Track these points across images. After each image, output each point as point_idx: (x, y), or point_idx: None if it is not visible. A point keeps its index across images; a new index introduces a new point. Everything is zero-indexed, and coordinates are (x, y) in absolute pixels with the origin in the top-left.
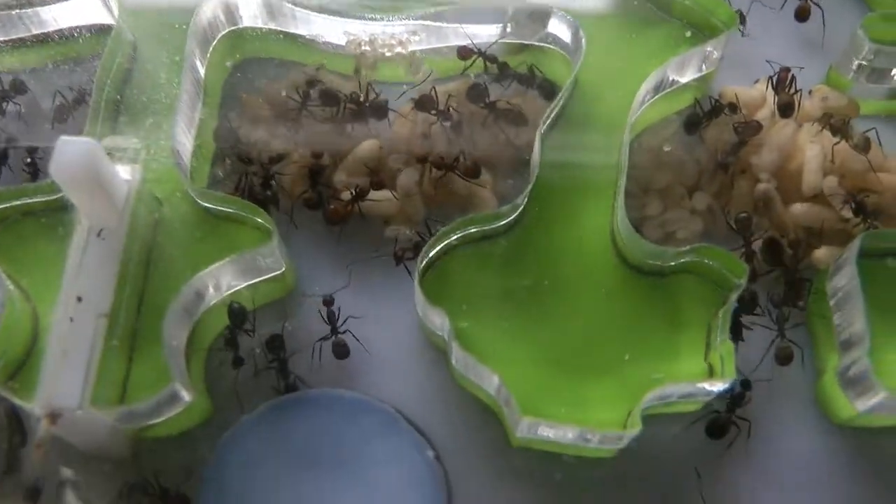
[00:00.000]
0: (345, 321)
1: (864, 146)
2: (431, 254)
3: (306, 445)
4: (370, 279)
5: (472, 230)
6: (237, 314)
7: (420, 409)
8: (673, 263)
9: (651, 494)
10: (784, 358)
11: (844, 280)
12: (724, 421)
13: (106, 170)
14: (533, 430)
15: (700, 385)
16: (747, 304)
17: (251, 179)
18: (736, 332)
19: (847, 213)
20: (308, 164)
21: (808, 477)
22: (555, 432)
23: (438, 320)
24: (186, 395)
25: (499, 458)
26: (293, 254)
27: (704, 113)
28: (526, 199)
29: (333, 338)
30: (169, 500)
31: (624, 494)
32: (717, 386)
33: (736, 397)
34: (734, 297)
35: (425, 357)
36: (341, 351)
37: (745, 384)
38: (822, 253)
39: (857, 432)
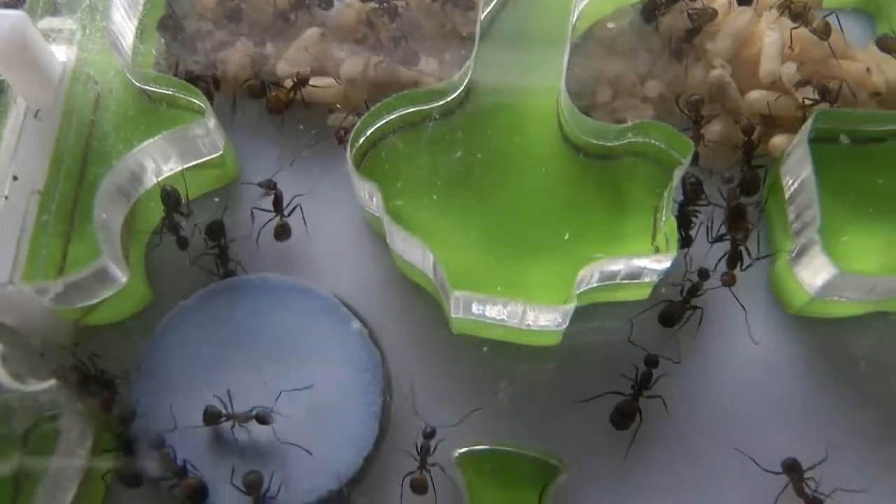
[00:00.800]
0: (289, 203)
1: (824, 30)
2: (369, 132)
3: (244, 330)
4: (312, 167)
5: (410, 110)
6: (170, 196)
7: (361, 297)
8: (618, 144)
9: (597, 383)
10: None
11: (797, 160)
12: (677, 308)
13: (38, 46)
14: (467, 307)
15: (642, 261)
16: (692, 194)
17: (189, 64)
18: (684, 224)
19: (808, 95)
20: (251, 54)
21: (763, 367)
22: (489, 308)
23: (373, 199)
24: (120, 274)
25: (439, 344)
26: (236, 145)
27: (662, 0)
28: (467, 78)
29: (277, 218)
30: (104, 383)
31: (569, 382)
32: (662, 262)
33: (693, 287)
34: (679, 174)
35: (368, 247)
36: (282, 231)
37: (703, 273)
38: (778, 140)
39: (811, 324)
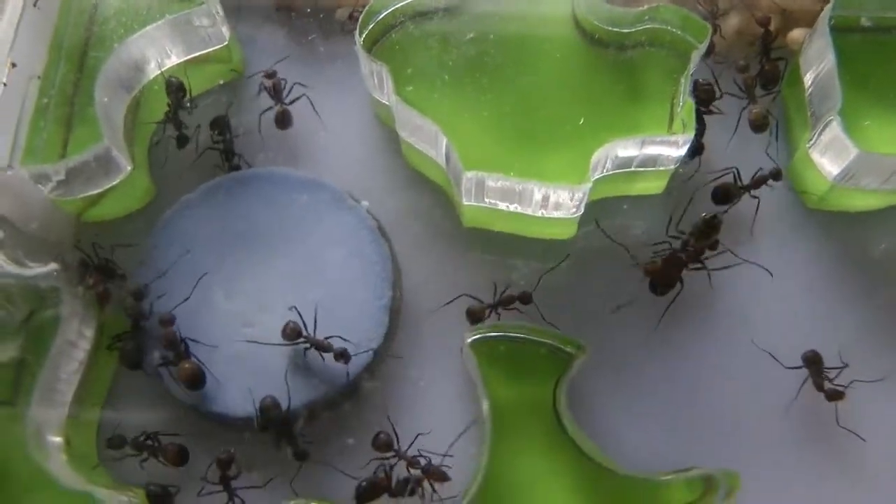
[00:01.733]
0: (291, 89)
1: None
2: (380, 16)
3: (250, 223)
4: (320, 62)
5: None
6: (174, 85)
7: (370, 192)
8: (632, 30)
9: (613, 281)
10: (757, 123)
11: (818, 49)
12: (732, 189)
13: None
14: (479, 193)
15: (658, 146)
16: (704, 96)
17: None
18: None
19: None
20: None
21: (783, 263)
22: (502, 188)
23: (383, 85)
24: (123, 161)
25: (450, 240)
26: (243, 42)
27: None
28: None
29: (277, 106)
30: (108, 272)
31: (583, 278)
32: (678, 146)
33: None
34: (696, 59)
35: (377, 141)
36: (282, 119)
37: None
38: (797, 33)
39: (830, 219)
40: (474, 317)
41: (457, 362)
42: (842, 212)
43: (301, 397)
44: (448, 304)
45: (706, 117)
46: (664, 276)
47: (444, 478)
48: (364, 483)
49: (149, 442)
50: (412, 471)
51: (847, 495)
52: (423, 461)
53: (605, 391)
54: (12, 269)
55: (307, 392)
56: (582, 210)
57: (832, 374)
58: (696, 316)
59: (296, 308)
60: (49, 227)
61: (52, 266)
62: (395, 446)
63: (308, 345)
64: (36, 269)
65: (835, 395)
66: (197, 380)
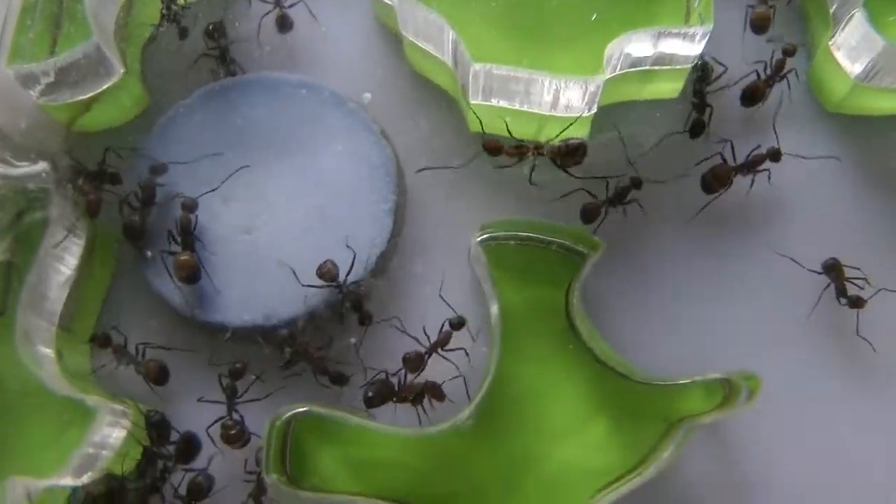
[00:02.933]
0: None
1: None
2: None
3: (246, 129)
4: None
5: None
6: None
7: (372, 97)
8: None
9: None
10: (758, 23)
11: None
12: (760, 85)
13: None
14: (487, 90)
15: (673, 40)
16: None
17: None
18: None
19: None
20: None
21: (802, 170)
22: (511, 77)
23: None
24: (115, 63)
25: (455, 148)
26: None
27: None
28: None
29: (277, 10)
30: (99, 177)
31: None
32: (697, 35)
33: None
34: None
35: (379, 45)
36: (283, 23)
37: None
38: None
39: (849, 123)
40: (589, 215)
41: (462, 263)
42: (862, 117)
43: (300, 307)
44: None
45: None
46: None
47: (441, 397)
48: (371, 390)
49: (133, 352)
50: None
51: (864, 404)
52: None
53: (622, 294)
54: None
55: (308, 300)
56: (594, 108)
57: (852, 284)
58: (716, 222)
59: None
60: (38, 135)
61: (42, 165)
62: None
63: (338, 291)
64: (24, 169)
65: (857, 303)
66: (193, 273)
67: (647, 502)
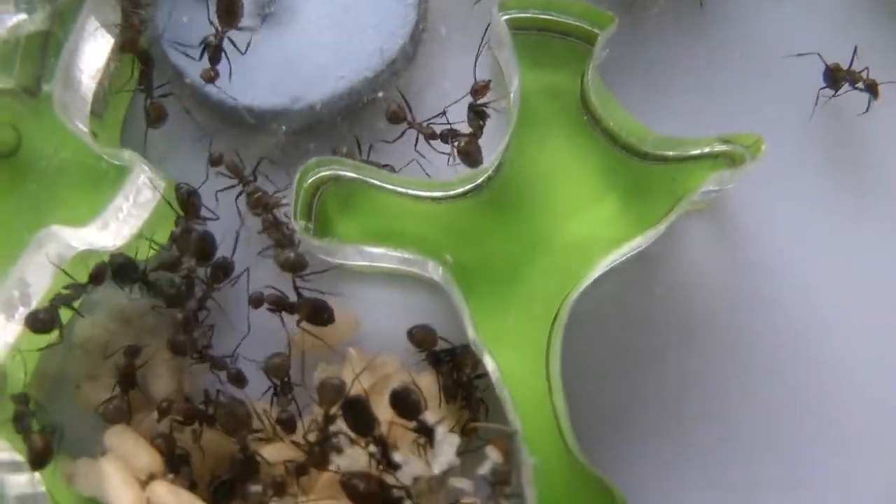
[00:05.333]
0: None
1: None
2: None
3: None
4: None
5: None
6: None
7: None
8: None
9: None
10: None
11: None
12: None
13: None
14: None
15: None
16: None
17: None
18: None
19: None
20: None
21: None
22: None
23: None
24: None
25: None
26: None
27: None
28: None
29: None
30: None
31: None
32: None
33: None
34: None
35: None
36: None
37: None
38: None
39: None
40: None
41: (483, 57)
42: None
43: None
44: None
45: None
46: None
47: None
48: None
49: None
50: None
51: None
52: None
53: (635, 69)
54: None
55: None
56: None
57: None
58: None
59: None
60: None
61: None
62: (409, 118)
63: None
64: None
65: (872, 87)
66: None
67: (650, 282)
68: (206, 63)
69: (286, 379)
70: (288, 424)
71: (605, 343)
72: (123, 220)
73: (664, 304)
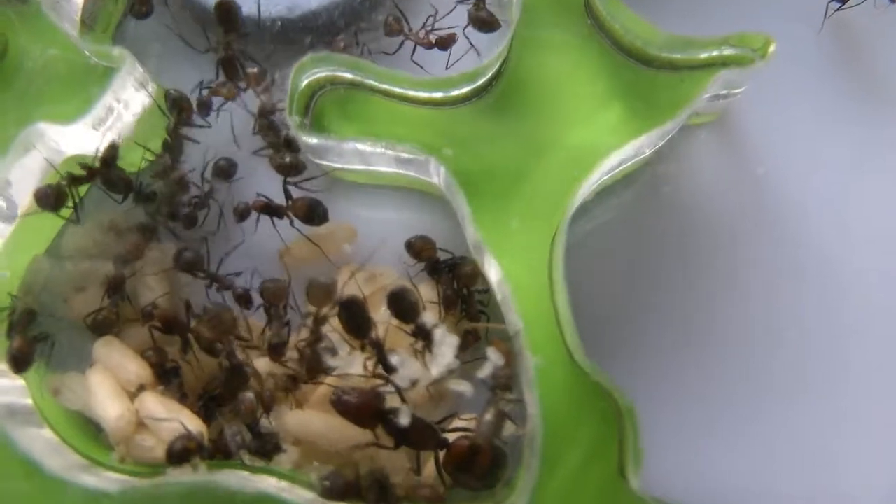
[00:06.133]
0: None
1: None
2: None
3: None
4: None
5: None
6: None
7: None
8: None
9: None
10: None
11: None
12: None
13: None
14: None
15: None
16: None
17: None
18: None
19: None
20: None
21: None
22: None
23: None
24: None
25: None
26: None
27: None
28: None
29: None
30: None
31: None
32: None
33: None
34: None
35: None
36: None
37: None
38: None
39: None
40: None
41: None
42: None
43: None
44: None
45: None
46: None
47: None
48: None
49: None
50: None
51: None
52: None
53: None
54: None
55: None
56: None
57: None
58: None
59: None
60: None
61: None
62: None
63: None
64: None
65: None
66: None
67: (658, 194)
68: None
69: (283, 305)
70: (277, 350)
71: (612, 255)
72: (113, 123)
73: (671, 217)
